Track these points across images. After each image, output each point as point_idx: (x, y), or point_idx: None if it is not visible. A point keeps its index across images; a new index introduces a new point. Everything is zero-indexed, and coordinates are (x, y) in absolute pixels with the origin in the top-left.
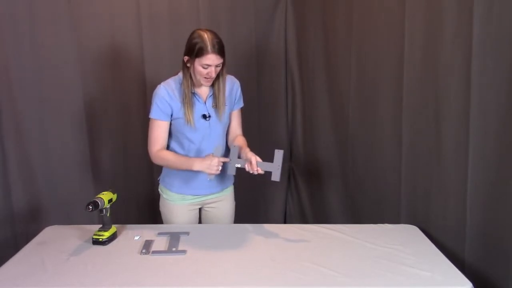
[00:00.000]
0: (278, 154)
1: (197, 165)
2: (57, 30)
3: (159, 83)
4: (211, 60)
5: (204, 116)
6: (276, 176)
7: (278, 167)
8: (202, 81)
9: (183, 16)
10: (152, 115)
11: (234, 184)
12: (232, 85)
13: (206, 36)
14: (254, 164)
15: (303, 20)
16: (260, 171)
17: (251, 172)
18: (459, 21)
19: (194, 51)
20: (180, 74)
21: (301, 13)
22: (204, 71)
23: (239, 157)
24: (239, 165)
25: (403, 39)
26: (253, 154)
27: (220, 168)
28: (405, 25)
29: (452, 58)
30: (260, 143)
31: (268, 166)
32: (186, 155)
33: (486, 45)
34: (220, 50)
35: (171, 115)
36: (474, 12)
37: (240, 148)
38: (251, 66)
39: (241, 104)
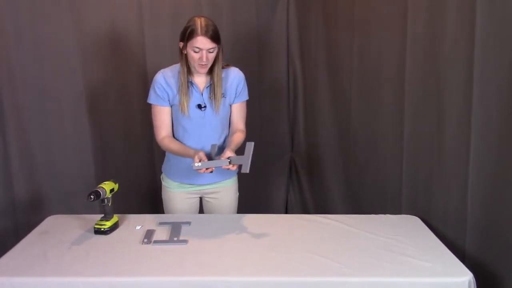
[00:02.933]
0: (249, 146)
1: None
2: (58, 19)
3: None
4: (202, 43)
5: (199, 106)
6: (245, 168)
7: (248, 159)
8: (197, 67)
9: (185, 4)
10: (150, 99)
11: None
12: (234, 77)
13: (199, 20)
14: (225, 159)
15: (305, 10)
16: (234, 167)
17: (231, 169)
18: (461, 14)
19: (186, 34)
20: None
21: (303, 3)
22: (196, 56)
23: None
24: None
25: (405, 31)
26: (230, 151)
27: (199, 165)
28: (407, 17)
29: (454, 51)
30: (261, 133)
31: (240, 160)
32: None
33: (489, 38)
34: (213, 35)
35: (169, 101)
36: (477, 5)
37: (227, 144)
38: (252, 55)
39: (245, 97)
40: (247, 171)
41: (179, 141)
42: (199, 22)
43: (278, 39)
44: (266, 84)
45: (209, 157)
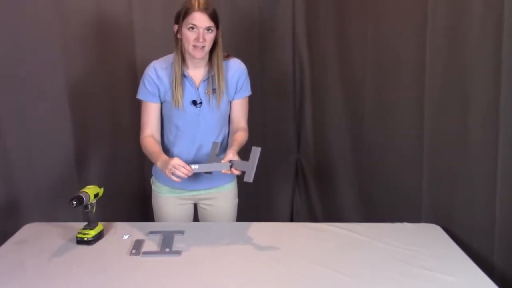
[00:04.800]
0: (254, 152)
1: (160, 163)
2: (37, 4)
3: (151, 62)
4: (198, 19)
5: (194, 103)
6: (249, 177)
7: (253, 166)
8: (192, 51)
9: None
10: (139, 95)
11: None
12: (236, 70)
13: (196, 0)
14: (226, 162)
15: None
16: (236, 172)
17: (229, 173)
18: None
19: (181, 14)
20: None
21: None
22: (192, 36)
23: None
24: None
25: (426, 17)
26: (234, 152)
27: (185, 172)
28: (427, 2)
29: (480, 39)
30: (264, 132)
31: (243, 166)
32: (172, 145)
33: None
34: (211, 13)
35: (159, 97)
36: None
37: (229, 144)
38: (254, 44)
39: (247, 93)
40: (251, 180)
41: (171, 141)
42: (197, 0)
43: (282, 27)
44: (269, 78)
45: (210, 157)
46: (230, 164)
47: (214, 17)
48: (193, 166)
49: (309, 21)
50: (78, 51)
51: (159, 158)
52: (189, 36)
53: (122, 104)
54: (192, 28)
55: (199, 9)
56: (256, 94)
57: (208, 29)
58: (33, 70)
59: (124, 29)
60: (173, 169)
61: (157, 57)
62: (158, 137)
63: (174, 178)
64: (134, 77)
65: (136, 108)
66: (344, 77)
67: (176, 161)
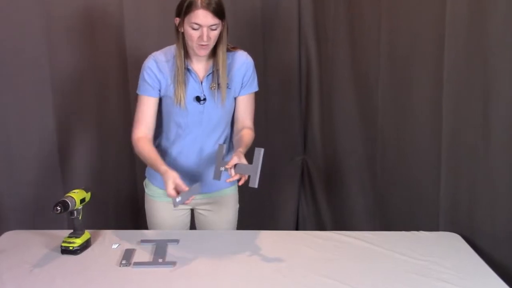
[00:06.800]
0: (257, 154)
1: (162, 174)
2: None
3: (143, 56)
4: (201, 18)
5: (198, 99)
6: (253, 182)
7: (257, 170)
8: (196, 49)
9: None
10: (138, 90)
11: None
12: (242, 64)
13: None
14: (231, 167)
15: None
16: (236, 177)
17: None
18: None
19: (183, 8)
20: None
21: None
22: (195, 34)
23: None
24: (223, 169)
25: (445, 5)
26: (239, 155)
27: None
28: None
29: (504, 31)
30: (266, 131)
31: (246, 169)
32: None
33: None
34: (216, 9)
35: (159, 91)
36: None
37: (235, 145)
38: (256, 35)
39: (254, 88)
40: (256, 185)
41: (171, 141)
42: None
43: (287, 16)
44: (273, 71)
45: (217, 161)
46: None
47: (218, 12)
48: (176, 199)
49: (317, 10)
50: (63, 45)
51: (160, 168)
52: (192, 34)
53: (111, 101)
54: (195, 28)
55: (202, 6)
56: (259, 91)
57: (212, 26)
58: (16, 65)
59: (113, 20)
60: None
61: (149, 50)
62: (151, 135)
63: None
64: (124, 72)
65: (126, 106)
66: (356, 72)
67: (171, 187)
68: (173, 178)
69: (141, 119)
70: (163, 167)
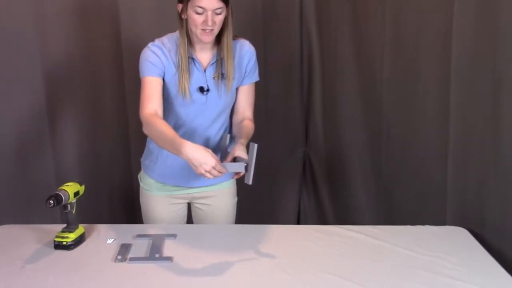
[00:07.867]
0: (251, 149)
1: (187, 151)
2: None
3: (139, 45)
4: (206, 2)
5: (202, 89)
6: (248, 178)
7: (251, 166)
8: (200, 35)
9: None
10: (142, 73)
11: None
12: (245, 53)
13: None
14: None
15: None
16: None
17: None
18: None
19: None
20: (178, 33)
21: None
22: (199, 19)
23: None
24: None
25: None
26: (240, 148)
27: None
28: None
29: None
30: (266, 122)
31: (238, 166)
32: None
33: None
34: None
35: (164, 75)
36: None
37: (237, 135)
38: (256, 21)
39: (255, 78)
40: (250, 182)
41: None
42: None
43: (288, 3)
44: (274, 60)
45: (222, 153)
46: (245, 164)
47: None
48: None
49: None
50: (56, 33)
51: (182, 144)
52: (196, 19)
53: (105, 89)
54: (199, 12)
55: None
56: (259, 80)
57: (216, 10)
58: (6, 55)
59: (107, 6)
60: (208, 172)
61: (145, 38)
62: (161, 114)
63: (208, 175)
64: (119, 61)
65: (121, 97)
66: (359, 61)
67: (213, 164)
68: (210, 152)
69: (150, 97)
70: (185, 143)
